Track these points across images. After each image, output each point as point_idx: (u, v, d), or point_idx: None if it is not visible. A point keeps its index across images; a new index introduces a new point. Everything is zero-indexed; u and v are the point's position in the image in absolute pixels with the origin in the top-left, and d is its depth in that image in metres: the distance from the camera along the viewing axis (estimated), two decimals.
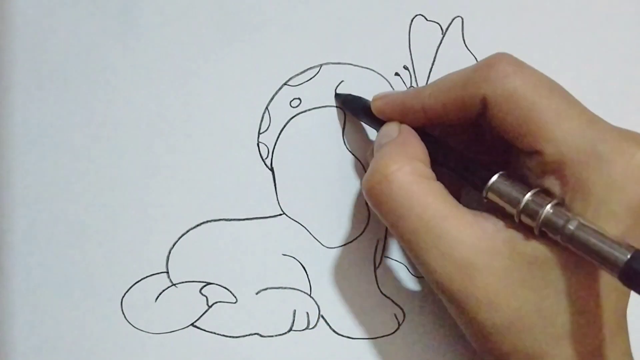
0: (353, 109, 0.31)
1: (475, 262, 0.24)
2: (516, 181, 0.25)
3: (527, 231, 0.24)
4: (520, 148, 0.24)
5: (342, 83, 0.31)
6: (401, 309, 0.31)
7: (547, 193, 0.24)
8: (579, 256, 0.22)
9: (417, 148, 0.26)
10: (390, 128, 0.28)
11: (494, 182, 0.25)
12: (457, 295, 0.24)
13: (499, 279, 0.24)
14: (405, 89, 0.32)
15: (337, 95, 0.31)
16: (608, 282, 0.24)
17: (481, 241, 0.24)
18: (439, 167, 0.27)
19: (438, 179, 0.26)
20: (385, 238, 0.32)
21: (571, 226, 0.22)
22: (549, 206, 0.23)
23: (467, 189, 0.29)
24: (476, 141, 0.28)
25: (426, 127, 0.28)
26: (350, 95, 0.31)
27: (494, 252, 0.24)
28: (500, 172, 0.25)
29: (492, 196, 0.25)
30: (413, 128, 0.27)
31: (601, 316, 0.24)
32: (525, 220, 0.24)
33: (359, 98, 0.30)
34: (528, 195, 0.24)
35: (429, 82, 0.31)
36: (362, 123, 0.31)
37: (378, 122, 0.29)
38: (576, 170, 0.23)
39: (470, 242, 0.24)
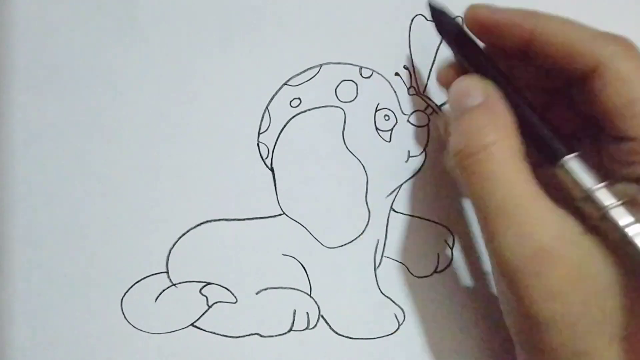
0: (440, 24, 0.28)
1: (554, 248, 0.23)
2: (590, 167, 0.24)
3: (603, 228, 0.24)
4: (613, 130, 0.24)
5: (343, 83, 0.32)
6: (401, 309, 0.31)
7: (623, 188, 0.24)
8: None
9: (507, 118, 0.25)
10: (474, 85, 0.26)
11: (572, 159, 0.24)
12: (525, 281, 0.23)
13: (572, 269, 0.23)
14: (406, 89, 0.32)
15: (432, 9, 0.29)
16: None
17: (563, 230, 0.24)
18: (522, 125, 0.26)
19: None
20: (385, 238, 0.32)
21: (630, 232, 0.22)
22: (617, 202, 0.23)
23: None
24: (556, 113, 0.28)
25: (512, 61, 0.26)
26: (445, 13, 0.29)
27: (573, 243, 0.24)
28: (579, 152, 0.24)
29: (561, 173, 0.24)
30: (499, 53, 0.26)
31: None
32: (589, 209, 0.23)
33: (451, 18, 0.28)
34: (600, 185, 0.23)
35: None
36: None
37: (459, 45, 0.27)
38: None
39: (553, 228, 0.24)
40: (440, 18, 0.28)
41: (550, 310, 0.23)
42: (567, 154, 0.24)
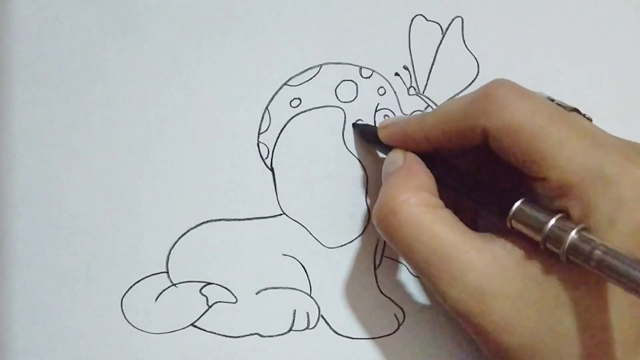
0: (367, 138, 0.31)
1: (487, 287, 0.24)
2: (537, 206, 0.24)
3: (535, 251, 0.24)
4: (526, 175, 0.24)
5: (343, 83, 0.32)
6: (401, 309, 0.31)
7: (568, 217, 0.24)
8: (587, 274, 0.22)
9: (422, 177, 0.26)
10: (396, 156, 0.28)
11: (516, 210, 0.24)
12: (473, 320, 0.24)
13: (512, 302, 0.24)
14: (406, 89, 0.32)
15: (354, 125, 0.31)
16: (623, 298, 0.23)
17: (491, 266, 0.24)
18: (451, 193, 0.27)
19: (448, 204, 0.26)
20: None
21: (599, 252, 0.22)
22: (573, 232, 0.22)
23: (481, 212, 0.29)
24: (483, 164, 0.28)
25: (432, 153, 0.28)
26: (365, 125, 0.31)
27: (504, 276, 0.24)
28: (522, 199, 0.24)
29: (515, 224, 0.24)
30: (419, 154, 0.28)
31: (617, 334, 0.24)
32: (550, 247, 0.23)
33: (372, 127, 0.31)
34: (552, 222, 0.23)
35: (429, 108, 0.31)
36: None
37: (388, 149, 0.29)
38: (584, 193, 0.23)
39: (481, 267, 0.24)
40: (362, 130, 0.31)
41: (505, 342, 0.24)
42: (512, 204, 0.24)
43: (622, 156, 0.23)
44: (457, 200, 0.28)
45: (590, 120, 0.26)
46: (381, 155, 0.31)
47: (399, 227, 0.25)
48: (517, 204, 0.24)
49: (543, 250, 0.24)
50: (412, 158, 0.27)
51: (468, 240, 0.25)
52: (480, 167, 0.28)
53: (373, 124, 0.31)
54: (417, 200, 0.25)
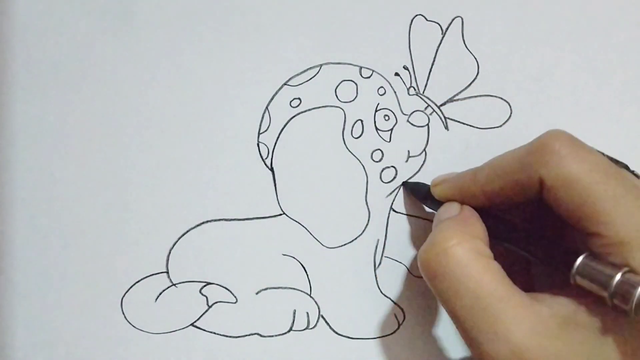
0: (418, 195, 0.31)
1: (531, 346, 0.23)
2: (600, 261, 0.24)
3: (584, 311, 0.24)
4: (579, 229, 0.24)
5: (343, 83, 0.32)
6: (401, 309, 0.31)
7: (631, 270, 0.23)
8: (632, 327, 0.23)
9: (477, 226, 0.26)
10: (451, 206, 0.28)
11: (581, 264, 0.24)
12: None
13: None
14: (406, 89, 0.32)
15: (404, 184, 0.31)
16: None
17: (537, 325, 0.24)
18: (501, 247, 0.27)
19: (497, 258, 0.26)
20: (385, 238, 0.32)
21: None
22: None
23: (537, 267, 0.29)
24: (538, 216, 0.28)
25: (487, 207, 0.28)
26: (415, 183, 0.31)
27: (549, 336, 0.24)
28: (585, 254, 0.24)
29: (580, 280, 0.24)
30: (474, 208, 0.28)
31: None
32: (617, 303, 0.23)
33: (422, 184, 0.31)
34: (618, 276, 0.23)
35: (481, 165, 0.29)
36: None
37: (441, 205, 0.29)
38: (637, 253, 0.23)
39: (527, 326, 0.24)
40: (412, 188, 0.31)
41: None
42: (575, 259, 0.24)
43: None
44: (506, 256, 0.28)
45: (639, 177, 0.27)
46: (429, 210, 0.31)
47: (447, 268, 0.25)
48: (581, 258, 0.24)
49: (596, 309, 0.24)
50: (468, 209, 0.28)
51: (516, 296, 0.24)
52: (532, 221, 0.29)
53: (423, 183, 0.31)
54: (470, 245, 0.25)
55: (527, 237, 0.26)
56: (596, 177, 0.24)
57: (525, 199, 0.26)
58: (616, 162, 0.26)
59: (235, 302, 0.31)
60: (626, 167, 0.26)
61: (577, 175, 0.24)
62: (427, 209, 0.31)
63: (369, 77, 0.32)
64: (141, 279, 0.30)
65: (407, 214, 0.32)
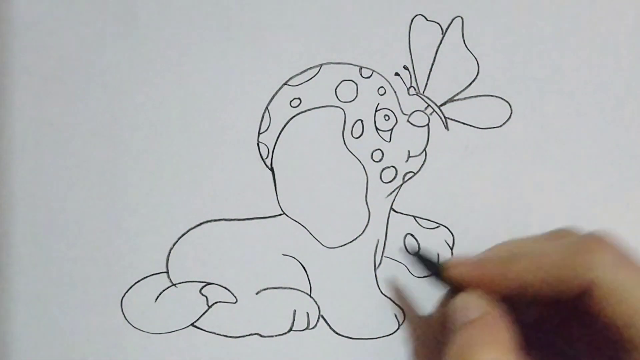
0: (426, 266, 0.28)
1: None
2: None
3: None
4: (627, 338, 0.24)
5: (343, 83, 0.31)
6: (401, 309, 0.31)
7: None
8: None
9: (505, 333, 0.24)
10: (472, 302, 0.25)
11: None
12: None
13: None
14: (406, 89, 0.32)
15: (416, 255, 0.28)
16: None
17: None
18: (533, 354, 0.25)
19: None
20: (385, 238, 0.32)
21: None
22: None
23: None
24: (568, 325, 0.27)
25: (510, 298, 0.25)
26: (423, 253, 0.28)
27: None
28: None
29: None
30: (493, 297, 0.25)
31: None
32: None
33: (431, 257, 0.28)
34: None
35: (497, 248, 0.27)
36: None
37: (455, 288, 0.26)
38: None
39: None
40: (425, 259, 0.28)
41: None
42: None
43: None
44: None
45: None
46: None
47: None
48: None
49: None
50: (493, 309, 0.25)
51: None
52: (562, 331, 0.27)
53: (432, 255, 0.28)
54: None
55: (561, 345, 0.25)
56: None
57: (562, 297, 0.24)
58: None
59: (235, 302, 0.31)
60: None
61: (630, 284, 0.23)
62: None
63: (369, 77, 0.32)
64: (141, 279, 0.30)
65: (407, 214, 0.32)
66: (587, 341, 0.26)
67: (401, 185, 0.32)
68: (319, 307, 0.31)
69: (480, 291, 0.25)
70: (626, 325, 0.23)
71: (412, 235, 0.32)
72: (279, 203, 0.31)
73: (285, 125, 0.31)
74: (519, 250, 0.26)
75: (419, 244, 0.31)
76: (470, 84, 0.32)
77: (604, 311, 0.24)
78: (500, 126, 0.32)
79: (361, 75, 0.32)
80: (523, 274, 0.25)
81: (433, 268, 0.27)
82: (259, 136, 0.31)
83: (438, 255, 0.30)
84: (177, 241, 0.31)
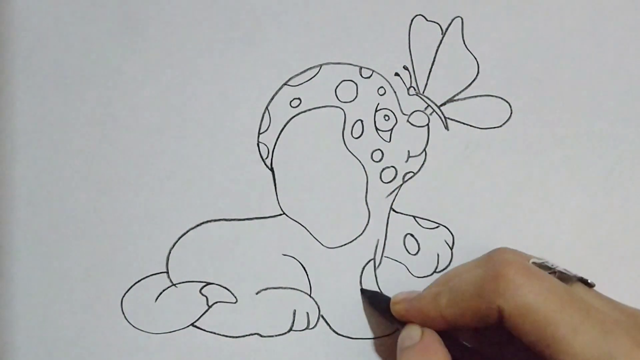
0: (377, 307, 0.31)
1: None
2: None
3: None
4: (543, 357, 0.25)
5: (343, 83, 0.32)
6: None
7: None
8: None
9: (439, 356, 0.27)
10: (413, 331, 0.28)
11: None
12: None
13: None
14: (406, 89, 0.32)
15: (362, 291, 0.31)
16: None
17: None
18: None
19: None
20: (385, 238, 0.32)
21: None
22: None
23: None
24: (502, 342, 0.28)
25: (448, 330, 0.28)
26: (374, 292, 0.31)
27: None
28: None
29: None
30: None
31: None
32: None
33: (382, 295, 0.31)
34: None
35: (443, 277, 0.30)
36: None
37: (400, 322, 0.29)
38: None
39: None
40: (370, 298, 0.31)
41: None
42: None
43: (632, 342, 0.24)
44: None
45: (594, 285, 0.27)
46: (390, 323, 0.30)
47: None
48: None
49: None
50: (429, 335, 0.27)
51: None
52: (498, 346, 0.29)
53: (380, 292, 0.31)
54: None
55: None
56: (553, 306, 0.24)
57: (487, 325, 0.26)
58: (568, 278, 0.26)
59: (235, 302, 0.31)
60: (581, 280, 0.27)
61: (535, 304, 0.24)
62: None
63: (369, 77, 0.32)
64: (141, 279, 0.30)
65: (407, 214, 0.32)
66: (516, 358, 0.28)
67: (401, 185, 0.32)
68: (319, 307, 0.31)
69: (416, 325, 0.28)
70: (541, 343, 0.24)
71: (412, 235, 0.32)
72: (279, 203, 0.31)
73: (285, 126, 0.31)
74: (448, 284, 0.28)
75: (307, 274, 0.31)
76: (470, 84, 0.32)
77: (519, 333, 0.25)
78: (500, 126, 0.32)
79: (361, 75, 0.32)
80: (447, 309, 0.27)
81: (382, 304, 0.30)
82: (259, 136, 0.31)
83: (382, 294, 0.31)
84: (177, 241, 0.31)
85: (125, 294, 0.30)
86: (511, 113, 0.32)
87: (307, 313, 0.31)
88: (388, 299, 0.30)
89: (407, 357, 0.27)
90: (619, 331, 0.24)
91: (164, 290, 0.30)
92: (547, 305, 0.24)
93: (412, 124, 0.32)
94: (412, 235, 0.32)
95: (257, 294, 0.31)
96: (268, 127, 0.31)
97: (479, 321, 0.26)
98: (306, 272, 0.31)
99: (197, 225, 0.31)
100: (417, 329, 0.28)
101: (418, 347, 0.27)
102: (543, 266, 0.27)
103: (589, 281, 0.27)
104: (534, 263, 0.27)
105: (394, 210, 0.32)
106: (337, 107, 0.31)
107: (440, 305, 0.27)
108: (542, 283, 0.25)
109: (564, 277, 0.26)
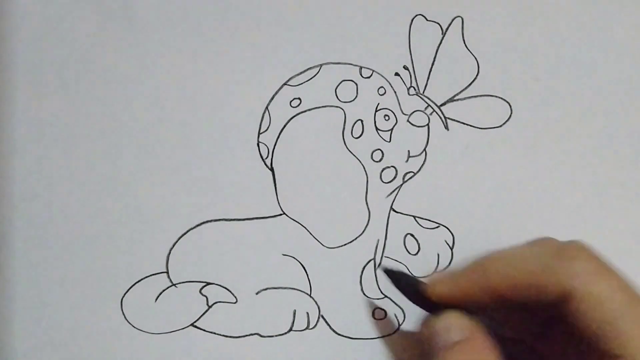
0: (403, 289, 0.28)
1: None
2: None
3: None
4: (601, 348, 0.24)
5: (343, 83, 0.32)
6: (401, 309, 0.31)
7: None
8: None
9: (490, 356, 0.25)
10: (456, 325, 0.25)
11: None
12: None
13: None
14: (406, 89, 0.32)
15: (387, 272, 0.28)
16: None
17: None
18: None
19: None
20: (386, 238, 0.32)
21: None
22: None
23: None
24: (545, 332, 0.27)
25: (489, 308, 0.26)
26: (399, 273, 0.28)
27: None
28: None
29: None
30: (476, 311, 0.26)
31: None
32: None
33: (404, 275, 0.28)
34: None
35: (479, 261, 0.26)
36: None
37: (434, 306, 0.26)
38: None
39: None
40: (398, 280, 0.28)
41: None
42: None
43: None
44: None
45: None
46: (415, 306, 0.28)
47: None
48: None
49: None
50: (477, 331, 0.25)
51: None
52: (539, 338, 0.28)
53: (409, 274, 0.29)
54: None
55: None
56: (624, 299, 0.24)
57: (537, 305, 0.25)
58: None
59: (235, 302, 0.31)
60: None
61: (610, 295, 0.24)
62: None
63: (369, 77, 0.32)
64: (141, 279, 0.30)
65: (407, 214, 0.32)
66: (565, 354, 0.26)
67: (401, 185, 0.32)
68: (319, 307, 0.31)
69: (460, 311, 0.25)
70: (604, 334, 0.24)
71: (412, 235, 0.32)
72: (279, 203, 0.31)
73: (285, 125, 0.31)
74: (496, 259, 0.25)
75: (307, 274, 0.30)
76: (470, 84, 0.32)
77: (582, 319, 0.24)
78: (500, 126, 0.32)
79: (361, 75, 0.32)
80: (499, 278, 0.25)
81: (410, 286, 0.27)
82: (259, 136, 0.31)
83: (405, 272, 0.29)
84: (177, 241, 0.31)
85: (125, 294, 0.30)
86: (511, 113, 0.32)
87: (307, 313, 0.31)
88: (415, 280, 0.27)
89: (457, 355, 0.24)
90: None
91: (164, 290, 0.30)
92: (620, 298, 0.23)
93: (412, 124, 0.32)
94: (412, 235, 0.32)
95: (257, 294, 0.31)
96: (268, 127, 0.31)
97: (536, 299, 0.24)
98: (306, 272, 0.31)
99: (197, 225, 0.31)
100: (461, 320, 0.25)
101: (467, 344, 0.25)
102: None
103: None
104: None
105: (394, 210, 0.32)
106: (337, 107, 0.31)
107: (492, 276, 0.25)
108: (614, 275, 0.24)
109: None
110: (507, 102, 0.32)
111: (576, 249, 0.25)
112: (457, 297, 0.26)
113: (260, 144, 0.31)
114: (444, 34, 0.32)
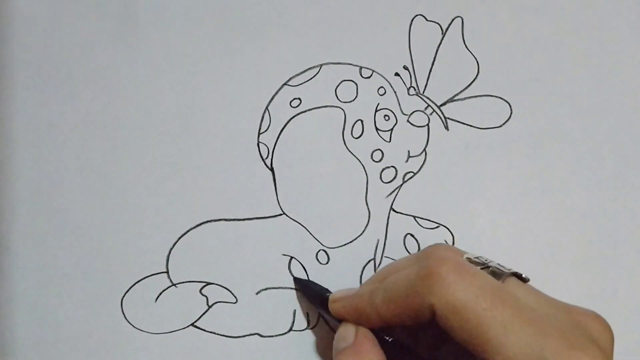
0: (313, 301, 0.30)
1: None
2: None
3: None
4: (475, 354, 0.24)
5: (343, 83, 0.32)
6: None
7: None
8: None
9: (371, 357, 0.26)
10: (347, 332, 0.28)
11: None
12: None
13: None
14: (406, 89, 0.32)
15: (296, 280, 0.31)
16: None
17: None
18: None
19: None
20: (385, 238, 0.32)
21: None
22: None
23: None
24: (439, 341, 0.28)
25: (384, 328, 0.27)
26: (309, 282, 0.31)
27: None
28: None
29: None
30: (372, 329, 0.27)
31: None
32: None
33: (319, 288, 0.30)
34: None
35: (379, 274, 0.29)
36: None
37: (336, 318, 0.28)
38: None
39: None
40: (308, 291, 0.30)
41: None
42: None
43: (564, 342, 0.23)
44: None
45: (528, 280, 0.26)
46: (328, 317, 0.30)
47: None
48: None
49: None
50: (363, 335, 0.27)
51: None
52: (434, 344, 0.29)
53: (315, 283, 0.31)
54: None
55: None
56: (483, 304, 0.24)
57: (421, 323, 0.26)
58: (501, 273, 0.26)
59: (235, 302, 0.31)
60: (515, 275, 0.26)
61: (465, 303, 0.24)
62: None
63: (369, 77, 0.32)
64: (141, 279, 0.30)
65: (407, 214, 0.32)
66: (453, 356, 0.27)
67: (401, 185, 0.32)
68: None
69: (353, 324, 0.28)
70: (473, 342, 0.24)
71: (412, 235, 0.32)
72: (279, 203, 0.31)
73: (285, 126, 0.31)
74: (383, 282, 0.27)
75: (307, 274, 0.31)
76: (470, 84, 0.32)
77: (451, 332, 0.24)
78: (500, 126, 0.32)
79: (361, 75, 0.32)
80: (382, 307, 0.26)
81: (318, 298, 0.29)
82: (259, 136, 0.31)
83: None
84: (177, 241, 0.31)
85: (125, 294, 0.30)
86: (511, 113, 0.32)
87: (307, 313, 0.31)
88: (323, 292, 0.29)
89: (343, 358, 0.26)
90: (550, 330, 0.24)
91: (164, 290, 0.30)
92: (477, 303, 0.24)
93: (412, 124, 0.32)
94: (412, 235, 0.32)
95: (257, 294, 0.31)
96: (268, 127, 0.31)
97: (413, 319, 0.26)
98: (306, 272, 0.31)
99: (197, 225, 0.31)
100: (351, 329, 0.28)
101: (352, 349, 0.27)
102: (477, 262, 0.26)
103: (523, 276, 0.26)
104: (467, 259, 0.26)
105: (394, 210, 0.32)
106: (337, 107, 0.32)
107: (376, 303, 0.27)
108: (474, 280, 0.24)
109: (498, 273, 0.26)
110: (507, 102, 0.32)
111: (434, 261, 0.25)
112: (352, 316, 0.28)
113: (260, 144, 0.31)
114: (444, 34, 0.32)
